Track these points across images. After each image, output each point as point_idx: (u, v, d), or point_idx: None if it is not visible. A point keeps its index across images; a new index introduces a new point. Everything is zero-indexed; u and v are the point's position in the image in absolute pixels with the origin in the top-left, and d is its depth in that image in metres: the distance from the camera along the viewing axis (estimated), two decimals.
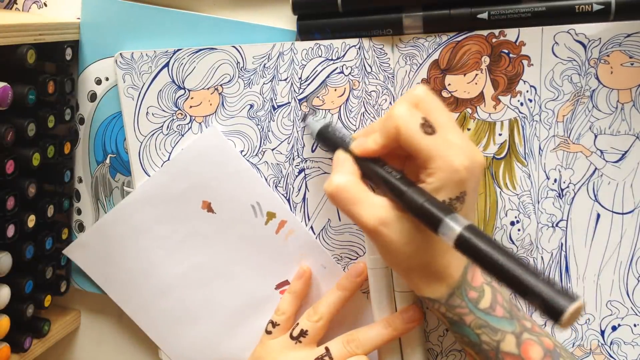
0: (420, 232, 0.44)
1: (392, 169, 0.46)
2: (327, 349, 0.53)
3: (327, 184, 0.46)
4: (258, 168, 0.57)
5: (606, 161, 0.52)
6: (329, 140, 0.51)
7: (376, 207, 0.45)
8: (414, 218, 0.44)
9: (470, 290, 0.46)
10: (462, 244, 0.40)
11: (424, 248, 0.45)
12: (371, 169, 0.47)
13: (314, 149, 0.56)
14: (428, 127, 0.44)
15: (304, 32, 0.54)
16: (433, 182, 0.43)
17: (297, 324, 0.56)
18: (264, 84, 0.56)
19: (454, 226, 0.40)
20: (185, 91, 0.57)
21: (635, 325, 0.53)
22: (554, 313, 0.35)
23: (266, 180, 0.57)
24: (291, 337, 0.55)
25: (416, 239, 0.44)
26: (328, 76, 0.54)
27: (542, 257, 0.54)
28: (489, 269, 0.38)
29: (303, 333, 0.55)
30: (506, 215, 0.54)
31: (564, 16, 0.50)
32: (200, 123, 0.57)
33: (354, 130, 0.55)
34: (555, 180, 0.53)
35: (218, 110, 0.57)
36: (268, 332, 0.57)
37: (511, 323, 0.46)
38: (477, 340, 0.46)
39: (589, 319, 0.54)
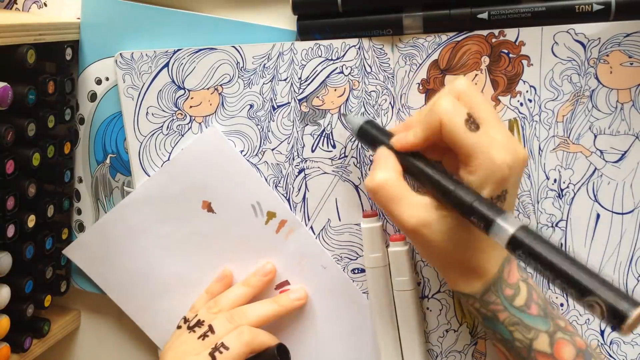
0: (461, 230, 0.44)
1: (435, 165, 0.45)
2: (210, 326, 0.54)
3: (368, 179, 0.46)
4: (258, 168, 0.57)
5: (606, 161, 0.52)
6: (368, 137, 0.50)
7: (417, 207, 0.44)
8: (457, 217, 0.43)
9: (506, 287, 0.45)
10: (515, 245, 0.39)
11: (464, 245, 0.45)
12: (414, 165, 0.46)
13: (314, 149, 0.56)
14: (472, 124, 0.43)
15: (304, 32, 0.54)
16: (475, 180, 0.43)
17: (196, 315, 0.56)
18: (263, 84, 0.56)
19: (507, 227, 0.39)
20: (185, 91, 0.57)
21: None
22: (616, 317, 0.34)
23: (266, 180, 0.57)
24: (188, 327, 0.56)
25: (456, 237, 0.44)
26: (328, 76, 0.54)
27: None
28: (544, 270, 0.37)
29: (199, 323, 0.55)
30: None
31: (564, 16, 0.50)
32: (200, 123, 0.57)
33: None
34: (555, 181, 0.53)
35: (218, 110, 0.57)
36: (178, 327, 0.57)
37: (545, 322, 0.45)
38: (510, 338, 0.45)
39: (588, 319, 0.54)
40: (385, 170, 0.46)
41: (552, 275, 0.37)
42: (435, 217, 0.44)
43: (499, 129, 0.44)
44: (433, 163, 0.46)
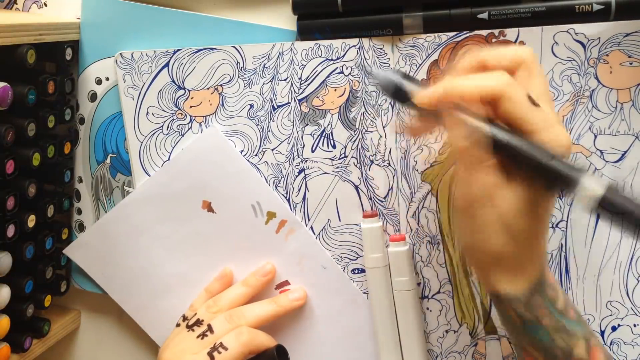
0: (526, 209, 0.41)
1: (502, 126, 0.41)
2: (209, 325, 0.54)
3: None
4: (258, 168, 0.57)
5: (606, 161, 0.52)
6: (407, 89, 0.44)
7: (490, 170, 0.40)
8: (526, 193, 0.40)
9: (547, 287, 0.43)
10: (606, 204, 0.36)
11: (521, 232, 0.41)
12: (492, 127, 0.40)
13: (314, 149, 0.56)
14: (532, 99, 0.40)
15: (304, 32, 0.54)
16: None
17: (195, 313, 0.56)
18: (264, 84, 0.56)
19: (595, 186, 0.37)
20: (185, 91, 0.57)
21: (635, 326, 0.53)
22: None
23: (266, 180, 0.57)
24: (187, 326, 0.56)
25: (520, 214, 0.41)
26: (328, 76, 0.54)
27: None
28: (634, 225, 0.35)
29: (198, 322, 0.55)
30: None
31: (564, 16, 0.50)
32: (200, 123, 0.57)
33: (355, 131, 0.55)
34: None
35: (218, 110, 0.57)
36: (177, 325, 0.57)
37: (582, 327, 0.43)
38: (551, 345, 0.43)
39: (589, 319, 0.54)
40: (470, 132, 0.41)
41: None
42: (505, 182, 0.41)
43: (554, 109, 0.42)
44: (504, 127, 0.41)
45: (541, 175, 0.39)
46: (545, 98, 0.41)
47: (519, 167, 0.40)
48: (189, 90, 0.57)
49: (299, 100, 0.55)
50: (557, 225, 0.53)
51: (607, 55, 0.50)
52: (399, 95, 0.44)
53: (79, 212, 0.62)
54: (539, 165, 0.39)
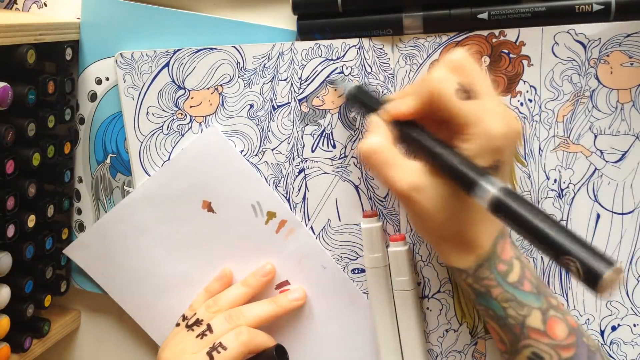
0: (453, 199, 0.43)
1: (426, 132, 0.45)
2: (208, 325, 0.54)
3: (360, 144, 0.45)
4: (258, 168, 0.57)
5: (606, 161, 0.52)
6: (360, 102, 0.50)
7: (410, 172, 0.44)
8: (449, 184, 0.43)
9: (499, 263, 0.45)
10: (496, 206, 0.39)
11: (456, 216, 0.44)
12: (406, 132, 0.45)
13: (314, 149, 0.56)
14: (465, 92, 0.43)
15: (304, 32, 0.54)
16: (468, 148, 0.42)
17: (195, 313, 0.56)
18: (264, 84, 0.56)
19: (489, 188, 0.39)
20: (185, 91, 0.57)
21: (634, 325, 0.54)
22: (591, 277, 0.34)
23: (266, 180, 0.57)
24: (187, 325, 0.56)
25: (449, 207, 0.44)
26: (328, 76, 0.54)
27: (542, 257, 0.54)
28: (523, 231, 0.37)
29: (198, 322, 0.55)
30: None
31: (564, 16, 0.50)
32: (200, 123, 0.57)
33: (355, 131, 0.55)
34: (555, 181, 0.53)
35: (218, 110, 0.57)
36: (177, 325, 0.57)
37: (538, 299, 0.45)
38: (503, 314, 0.45)
39: (588, 319, 0.54)
40: (377, 135, 0.45)
41: (530, 237, 0.37)
42: (428, 182, 0.43)
43: (494, 99, 0.44)
44: (424, 129, 0.45)
45: (449, 176, 0.42)
46: (486, 91, 0.44)
47: (433, 166, 0.44)
48: (189, 90, 0.57)
49: (299, 100, 0.55)
50: None
51: (608, 55, 0.50)
52: (355, 103, 0.51)
53: (79, 212, 0.62)
54: (445, 167, 0.42)
